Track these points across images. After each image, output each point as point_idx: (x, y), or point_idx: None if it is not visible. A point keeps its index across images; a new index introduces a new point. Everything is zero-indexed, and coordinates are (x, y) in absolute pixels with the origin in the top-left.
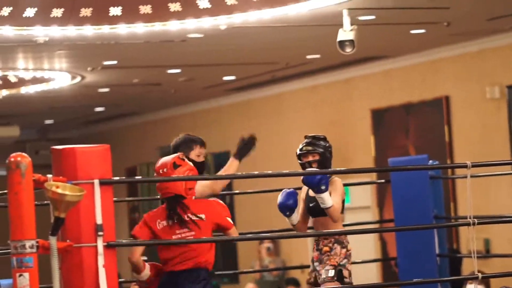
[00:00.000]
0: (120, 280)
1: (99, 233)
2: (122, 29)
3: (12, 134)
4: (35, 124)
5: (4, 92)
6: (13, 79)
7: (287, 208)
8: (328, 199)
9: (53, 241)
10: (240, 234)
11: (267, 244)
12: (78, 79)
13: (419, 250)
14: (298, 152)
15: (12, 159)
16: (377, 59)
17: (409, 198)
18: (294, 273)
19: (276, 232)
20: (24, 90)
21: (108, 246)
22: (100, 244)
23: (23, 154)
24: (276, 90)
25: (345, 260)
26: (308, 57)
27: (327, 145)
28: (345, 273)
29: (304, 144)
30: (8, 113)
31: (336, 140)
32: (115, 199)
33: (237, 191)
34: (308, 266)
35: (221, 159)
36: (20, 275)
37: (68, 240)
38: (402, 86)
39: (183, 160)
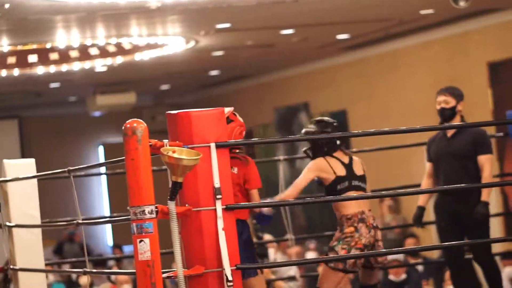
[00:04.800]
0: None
1: (218, 196)
2: None
3: (129, 101)
4: (151, 90)
5: (119, 59)
6: (127, 46)
7: None
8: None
9: (172, 206)
10: None
11: (388, 201)
12: (192, 43)
13: None
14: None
15: (128, 126)
16: (492, 11)
17: None
18: (416, 229)
19: (395, 190)
20: (138, 56)
21: (227, 209)
22: (219, 207)
23: (139, 120)
24: (390, 47)
25: (335, 243)
26: (422, 12)
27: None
28: (330, 254)
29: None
30: (124, 80)
31: None
32: None
33: (355, 150)
34: (429, 223)
35: (337, 118)
36: (141, 241)
37: (186, 205)
38: None
39: (235, 115)
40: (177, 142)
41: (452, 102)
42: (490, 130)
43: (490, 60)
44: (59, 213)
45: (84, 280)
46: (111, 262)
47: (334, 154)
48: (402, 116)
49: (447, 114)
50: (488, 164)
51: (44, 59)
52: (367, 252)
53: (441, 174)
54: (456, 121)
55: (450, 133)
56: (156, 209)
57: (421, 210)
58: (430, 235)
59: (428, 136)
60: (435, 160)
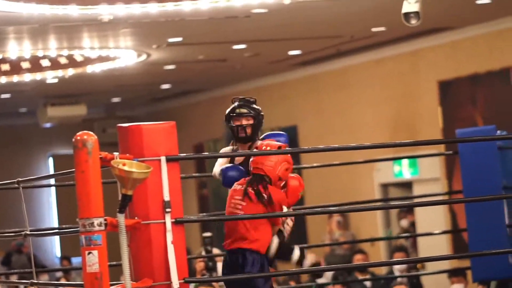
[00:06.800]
0: (189, 256)
1: (167, 209)
2: (186, 6)
3: (80, 113)
4: (102, 103)
5: (71, 71)
6: (79, 58)
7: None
8: None
9: (121, 218)
10: (308, 208)
11: (337, 217)
12: (144, 56)
13: (488, 221)
14: (229, 114)
15: (78, 138)
16: (443, 30)
17: (478, 169)
18: (364, 246)
19: (344, 206)
20: (90, 69)
21: (176, 223)
22: (168, 220)
23: (89, 132)
24: (341, 64)
25: None
26: (373, 29)
27: (259, 108)
28: None
29: (237, 106)
30: (75, 92)
31: (403, 113)
32: (183, 175)
33: (304, 165)
34: (377, 239)
35: (288, 134)
36: (89, 253)
37: (136, 217)
38: (469, 57)
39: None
40: (127, 155)
41: None
42: (440, 148)
43: (440, 79)
44: (8, 224)
45: None
46: (59, 274)
47: None
48: (352, 133)
49: None
50: None
51: None
52: (335, 265)
53: None
54: None
55: None
56: (105, 222)
57: None
58: (378, 252)
59: (377, 152)
60: None
